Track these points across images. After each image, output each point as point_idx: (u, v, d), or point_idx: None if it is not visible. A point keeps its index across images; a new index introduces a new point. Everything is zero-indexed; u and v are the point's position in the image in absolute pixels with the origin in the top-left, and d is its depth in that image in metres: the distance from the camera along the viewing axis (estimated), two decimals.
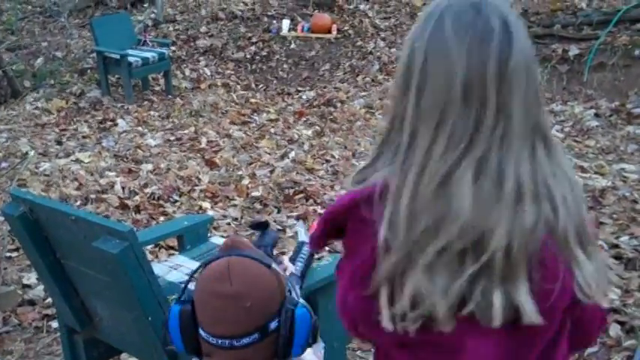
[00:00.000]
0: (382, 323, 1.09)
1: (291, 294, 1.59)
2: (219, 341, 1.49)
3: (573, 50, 7.17)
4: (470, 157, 1.04)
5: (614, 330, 3.04)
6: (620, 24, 7.21)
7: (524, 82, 1.05)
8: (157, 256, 3.84)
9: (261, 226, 2.14)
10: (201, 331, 1.52)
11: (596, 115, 6.25)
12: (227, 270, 1.49)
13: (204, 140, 5.99)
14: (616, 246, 3.75)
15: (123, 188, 4.89)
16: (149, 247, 3.81)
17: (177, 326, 1.55)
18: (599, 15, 7.41)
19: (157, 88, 7.94)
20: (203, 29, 9.24)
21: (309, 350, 1.67)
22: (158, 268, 2.43)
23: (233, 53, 8.75)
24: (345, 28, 8.87)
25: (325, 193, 4.83)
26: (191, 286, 1.57)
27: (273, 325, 1.52)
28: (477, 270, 1.04)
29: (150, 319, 1.98)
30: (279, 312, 1.53)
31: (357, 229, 1.14)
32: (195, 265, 1.79)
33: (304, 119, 6.69)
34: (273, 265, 1.56)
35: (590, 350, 2.91)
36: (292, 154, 5.63)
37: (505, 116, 1.04)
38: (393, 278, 1.08)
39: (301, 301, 1.58)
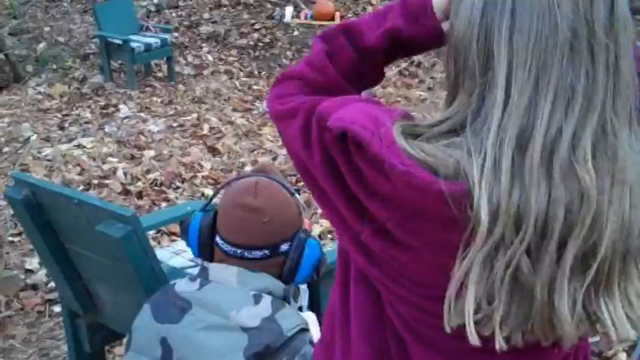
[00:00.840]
0: (470, 337, 0.85)
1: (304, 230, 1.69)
2: (233, 249, 1.62)
3: None
4: (588, 122, 0.82)
5: None
6: None
7: (630, 35, 0.86)
8: (159, 242, 3.84)
9: None
10: (217, 239, 1.65)
11: None
12: (254, 186, 1.62)
13: (206, 127, 5.99)
14: None
15: (125, 174, 4.89)
16: (151, 233, 3.81)
17: (196, 231, 1.69)
18: None
19: (160, 75, 7.92)
20: (206, 15, 9.21)
21: (313, 320, 1.72)
22: (161, 254, 2.44)
23: (236, 40, 8.73)
24: (349, 15, 8.84)
25: None
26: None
27: (284, 247, 1.64)
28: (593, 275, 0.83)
29: None
30: (293, 238, 1.65)
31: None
32: None
33: None
34: (296, 195, 1.70)
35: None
36: None
37: (615, 74, 0.84)
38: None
39: (314, 236, 1.70)
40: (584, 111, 0.82)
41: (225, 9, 9.33)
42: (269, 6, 9.26)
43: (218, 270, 1.62)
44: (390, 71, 7.44)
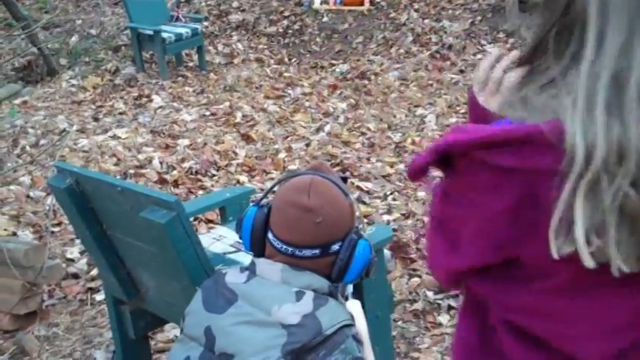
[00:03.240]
0: (584, 262, 0.87)
1: (358, 228, 1.71)
2: (284, 247, 1.62)
3: None
4: None
5: None
6: None
7: None
8: (196, 230, 3.86)
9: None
10: (269, 234, 1.66)
11: None
12: (309, 185, 1.62)
13: (239, 115, 6.00)
14: None
15: (161, 163, 4.93)
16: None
17: (250, 225, 1.70)
18: None
19: (191, 64, 7.95)
20: (235, 4, 9.22)
21: (358, 310, 1.71)
22: (202, 240, 2.45)
23: (265, 28, 8.72)
24: (377, 0, 8.79)
25: (362, 166, 4.81)
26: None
27: (335, 247, 1.64)
28: None
29: (197, 288, 2.00)
30: (344, 238, 1.65)
31: (485, 179, 0.93)
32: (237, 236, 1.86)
33: (338, 92, 6.66)
34: (350, 196, 1.69)
35: None
36: (327, 128, 5.61)
37: None
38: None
39: (365, 236, 1.70)
40: None
41: None
42: None
43: (264, 265, 1.64)
44: (422, 54, 7.38)
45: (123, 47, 8.25)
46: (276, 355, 1.51)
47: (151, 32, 7.29)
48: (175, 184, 4.63)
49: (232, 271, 1.68)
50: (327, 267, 1.65)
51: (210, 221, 3.94)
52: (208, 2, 9.36)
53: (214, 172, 4.83)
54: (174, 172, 4.79)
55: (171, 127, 5.76)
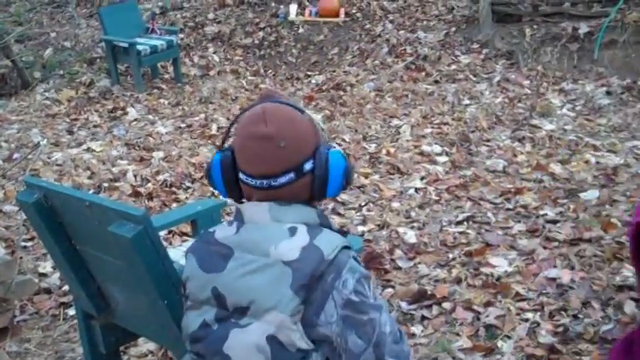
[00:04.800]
0: None
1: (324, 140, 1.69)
2: (258, 182, 1.61)
3: (583, 28, 7.10)
4: None
5: (629, 307, 3.03)
6: (629, 0, 7.13)
7: None
8: (170, 243, 3.86)
9: None
10: (241, 175, 1.64)
11: (608, 92, 6.20)
12: (263, 114, 1.60)
13: (214, 127, 6.00)
14: (628, 223, 3.73)
15: (135, 176, 4.92)
16: (162, 233, 3.83)
17: (219, 172, 1.68)
18: None
19: (167, 76, 7.95)
20: (210, 16, 9.23)
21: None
22: (173, 253, 2.44)
23: (241, 39, 8.73)
24: (353, 11, 8.83)
25: None
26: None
27: (308, 165, 1.62)
28: None
29: (165, 302, 1.99)
30: (314, 154, 1.63)
31: None
32: None
33: (314, 103, 6.68)
34: (307, 112, 1.68)
35: (604, 327, 2.91)
36: None
37: None
38: None
39: (334, 145, 1.65)
40: None
41: (229, 8, 9.34)
42: (273, 4, 9.26)
43: (251, 208, 1.63)
44: (397, 65, 7.43)
45: (98, 60, 8.22)
46: (288, 293, 1.51)
47: (126, 45, 7.28)
48: (150, 196, 4.62)
49: (220, 226, 1.68)
50: (306, 188, 1.63)
51: (185, 234, 3.93)
52: (184, 14, 9.36)
53: (189, 184, 4.82)
54: (149, 184, 4.78)
55: (146, 140, 5.75)
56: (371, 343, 1.55)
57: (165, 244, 3.71)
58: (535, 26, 7.45)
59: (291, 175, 1.60)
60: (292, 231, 1.57)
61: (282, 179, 1.59)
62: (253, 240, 1.59)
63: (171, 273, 2.02)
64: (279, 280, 1.52)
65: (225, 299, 1.59)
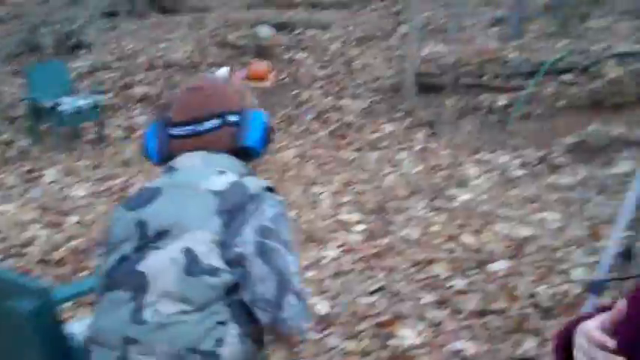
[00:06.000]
0: None
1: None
2: (185, 128, 1.78)
3: (501, 100, 7.37)
4: None
5: None
6: (547, 74, 7.43)
7: None
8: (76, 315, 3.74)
9: None
10: (171, 131, 1.80)
11: (522, 164, 6.40)
12: (202, 79, 1.89)
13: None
14: (534, 295, 3.82)
15: (46, 241, 4.79)
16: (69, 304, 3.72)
17: (153, 134, 1.83)
18: (528, 66, 7.63)
19: (90, 137, 7.84)
20: (139, 77, 9.21)
21: None
22: (77, 327, 2.36)
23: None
24: (282, 76, 8.96)
25: None
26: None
27: (232, 118, 1.80)
28: None
29: None
30: (241, 112, 1.82)
31: None
32: None
33: None
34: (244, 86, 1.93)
35: None
36: None
37: None
38: None
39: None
40: None
41: (158, 70, 9.34)
42: (203, 67, 9.31)
43: (183, 158, 1.77)
44: (321, 132, 7.53)
45: (20, 119, 8.08)
46: (212, 215, 1.62)
47: (48, 104, 7.18)
48: (60, 263, 4.49)
49: (149, 180, 1.86)
50: (231, 138, 1.79)
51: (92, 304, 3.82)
52: (112, 74, 9.31)
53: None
54: (60, 250, 4.66)
55: (62, 203, 5.63)
56: (275, 272, 1.63)
57: (69, 315, 3.61)
58: (457, 97, 7.69)
59: (216, 121, 1.78)
60: (222, 172, 1.73)
61: (208, 124, 1.77)
62: (184, 179, 1.73)
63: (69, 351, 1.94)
64: (205, 205, 1.64)
65: (147, 226, 1.66)
